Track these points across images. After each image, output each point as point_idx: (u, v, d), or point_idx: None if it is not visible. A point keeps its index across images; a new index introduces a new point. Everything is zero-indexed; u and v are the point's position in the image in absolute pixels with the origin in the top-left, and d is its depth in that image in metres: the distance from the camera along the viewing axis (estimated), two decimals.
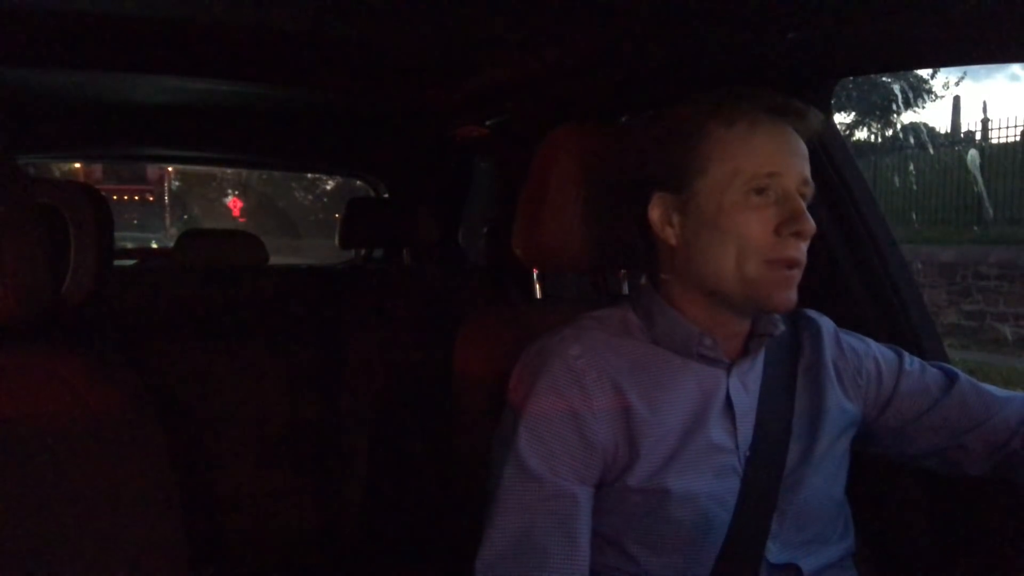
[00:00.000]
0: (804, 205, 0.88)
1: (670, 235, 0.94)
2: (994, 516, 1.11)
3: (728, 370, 0.94)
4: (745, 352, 0.96)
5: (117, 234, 1.35)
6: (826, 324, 1.06)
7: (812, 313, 1.07)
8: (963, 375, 1.04)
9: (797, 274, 0.89)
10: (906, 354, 1.06)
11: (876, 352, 1.04)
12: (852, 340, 1.05)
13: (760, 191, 0.87)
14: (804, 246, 0.89)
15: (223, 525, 1.92)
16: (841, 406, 1.00)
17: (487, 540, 0.87)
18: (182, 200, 16.02)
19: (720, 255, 0.89)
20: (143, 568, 0.72)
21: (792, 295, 0.89)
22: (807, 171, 0.90)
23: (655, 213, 0.94)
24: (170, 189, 15.26)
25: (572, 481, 0.88)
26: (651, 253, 0.98)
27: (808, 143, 0.94)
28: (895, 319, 1.24)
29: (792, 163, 0.89)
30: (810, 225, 0.87)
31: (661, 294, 0.97)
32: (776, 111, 0.90)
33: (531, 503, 0.86)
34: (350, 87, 1.84)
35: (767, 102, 0.90)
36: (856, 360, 1.02)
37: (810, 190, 0.91)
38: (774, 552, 0.91)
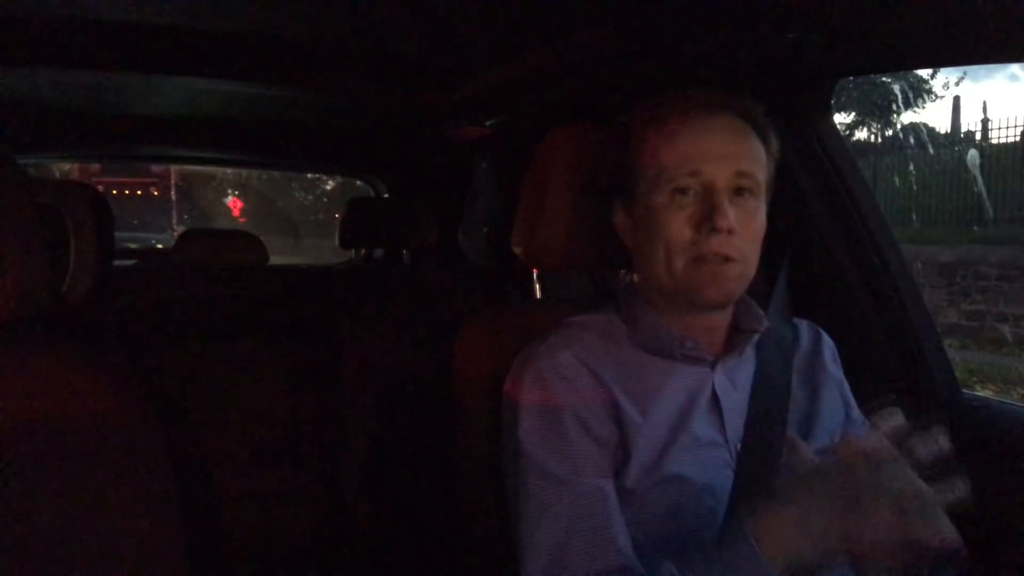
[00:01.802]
0: (734, 199, 0.88)
1: (627, 239, 0.98)
2: (994, 514, 1.11)
3: (712, 366, 0.95)
4: (729, 347, 0.97)
5: (118, 234, 1.35)
6: (828, 339, 1.08)
7: (816, 326, 1.09)
8: None
9: (726, 268, 0.89)
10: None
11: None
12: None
13: (683, 190, 0.89)
14: (735, 240, 0.88)
15: (223, 525, 1.92)
16: (836, 404, 1.02)
17: (532, 556, 0.86)
18: (190, 195, 15.49)
19: (653, 256, 0.92)
20: (143, 568, 0.72)
21: (724, 289, 0.90)
22: (744, 164, 0.90)
23: (616, 217, 0.99)
24: (177, 184, 14.55)
25: (595, 476, 0.88)
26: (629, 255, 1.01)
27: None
28: (895, 319, 1.24)
29: (719, 159, 0.89)
30: (725, 221, 0.87)
31: (640, 295, 0.99)
32: (708, 107, 0.91)
33: (564, 508, 0.86)
34: (350, 88, 1.84)
35: (700, 99, 0.92)
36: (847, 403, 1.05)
37: (750, 181, 0.90)
38: None
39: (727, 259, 0.89)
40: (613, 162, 0.98)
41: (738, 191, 0.89)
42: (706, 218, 0.87)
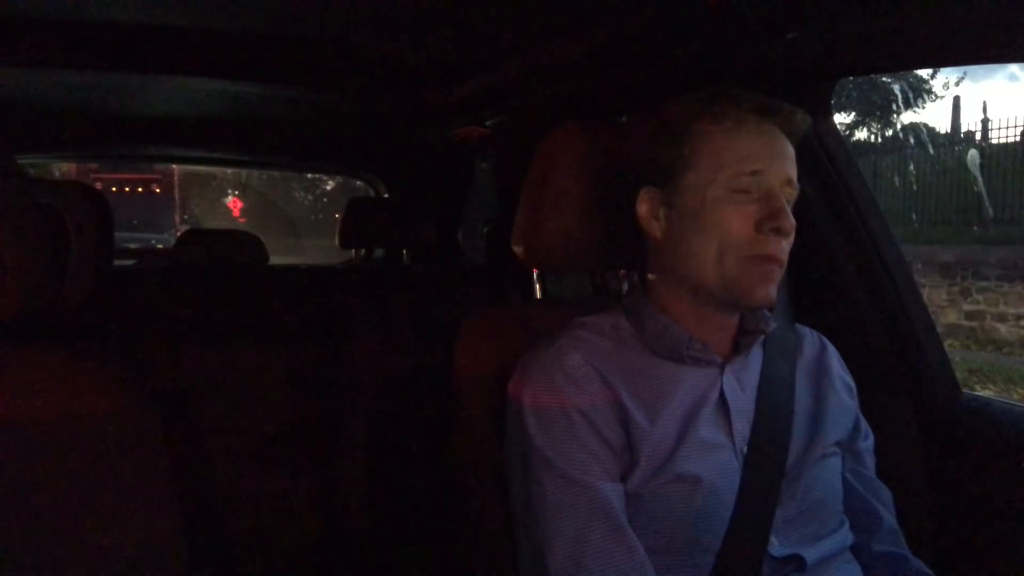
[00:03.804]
0: (786, 204, 0.89)
1: (656, 229, 0.95)
2: (994, 514, 1.11)
3: (721, 368, 0.95)
4: (737, 349, 0.97)
5: (118, 235, 1.35)
6: (833, 348, 1.08)
7: (821, 335, 1.09)
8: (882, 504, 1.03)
9: (777, 271, 0.90)
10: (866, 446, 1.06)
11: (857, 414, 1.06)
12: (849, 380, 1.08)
13: (743, 188, 0.88)
14: (785, 244, 0.90)
15: (223, 525, 1.92)
16: (841, 405, 1.02)
17: (549, 557, 0.86)
18: (190, 195, 15.15)
19: (701, 249, 0.90)
20: (143, 568, 0.72)
21: (771, 291, 0.90)
22: (792, 172, 0.91)
23: (643, 207, 0.96)
24: (181, 181, 13.77)
25: (606, 479, 0.88)
26: (641, 251, 0.99)
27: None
28: (895, 319, 1.24)
29: (776, 163, 0.90)
30: (790, 223, 0.88)
31: (650, 296, 0.98)
32: (763, 111, 0.91)
33: (580, 509, 0.86)
34: (350, 87, 1.84)
35: (754, 102, 0.91)
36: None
37: (794, 191, 0.92)
38: (777, 546, 0.91)
39: (778, 262, 0.89)
40: (645, 151, 0.96)
41: (785, 197, 0.90)
42: (769, 219, 0.87)
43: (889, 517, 1.01)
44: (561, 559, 0.86)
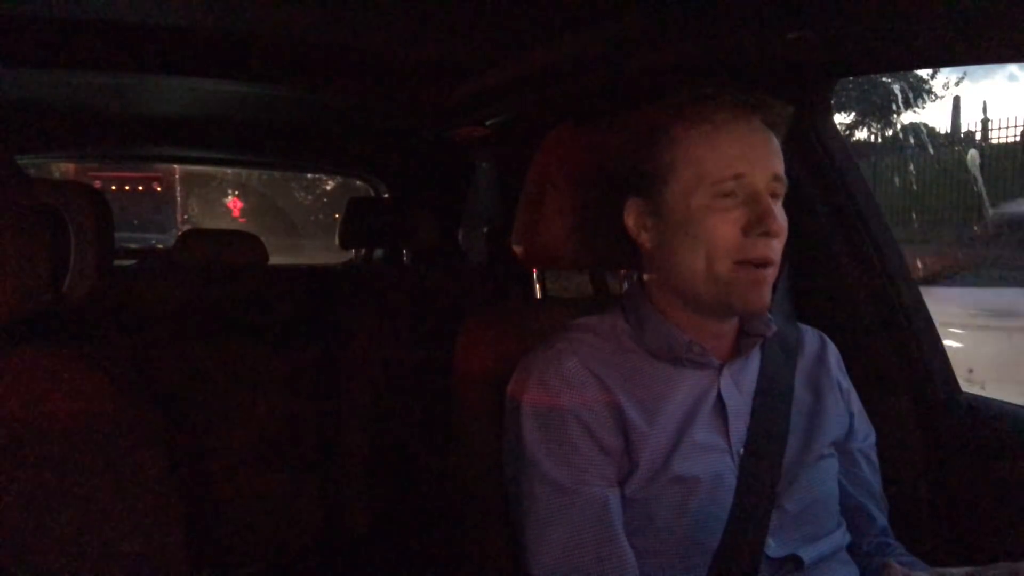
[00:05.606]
0: (772, 204, 0.88)
1: (645, 240, 0.95)
2: (993, 510, 1.11)
3: (719, 370, 0.95)
4: (737, 351, 0.96)
5: (119, 235, 1.35)
6: (833, 347, 1.08)
7: (821, 333, 1.08)
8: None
9: (770, 272, 0.89)
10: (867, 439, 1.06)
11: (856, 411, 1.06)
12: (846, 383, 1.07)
13: (727, 193, 0.87)
14: (776, 244, 0.88)
15: (223, 525, 1.93)
16: (840, 410, 1.02)
17: (536, 559, 0.87)
18: (189, 195, 15.11)
19: (690, 258, 0.89)
20: (142, 568, 0.72)
21: (765, 295, 0.89)
22: (778, 167, 0.90)
23: (630, 219, 0.96)
24: (182, 180, 14.07)
25: (602, 485, 0.88)
26: (636, 256, 0.99)
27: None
28: (894, 318, 1.24)
29: (759, 162, 0.88)
30: (778, 224, 0.87)
31: (648, 298, 0.98)
32: (740, 109, 0.90)
33: (571, 517, 0.86)
34: (350, 88, 1.84)
35: (730, 100, 0.90)
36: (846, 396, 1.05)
37: (782, 186, 0.90)
38: (773, 547, 0.91)
39: (769, 263, 0.88)
40: (627, 160, 0.96)
41: (773, 195, 0.89)
42: (756, 222, 0.86)
43: (882, 518, 1.01)
44: (545, 568, 0.86)
